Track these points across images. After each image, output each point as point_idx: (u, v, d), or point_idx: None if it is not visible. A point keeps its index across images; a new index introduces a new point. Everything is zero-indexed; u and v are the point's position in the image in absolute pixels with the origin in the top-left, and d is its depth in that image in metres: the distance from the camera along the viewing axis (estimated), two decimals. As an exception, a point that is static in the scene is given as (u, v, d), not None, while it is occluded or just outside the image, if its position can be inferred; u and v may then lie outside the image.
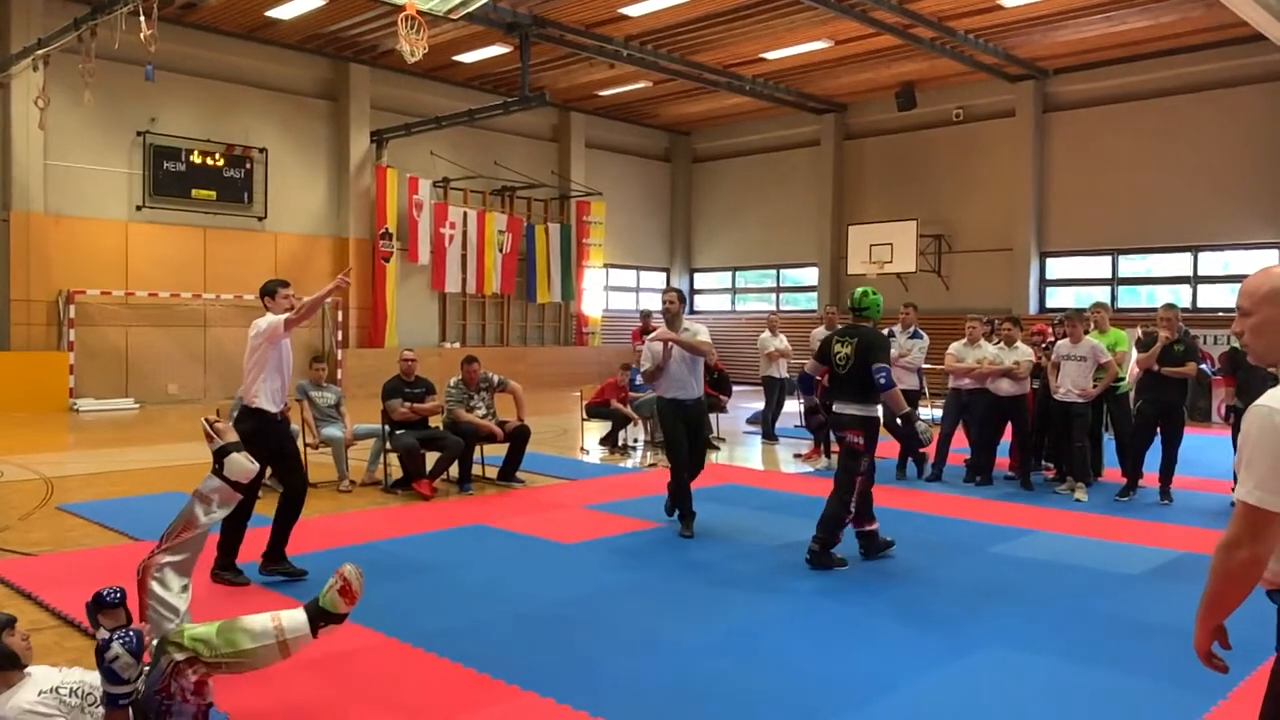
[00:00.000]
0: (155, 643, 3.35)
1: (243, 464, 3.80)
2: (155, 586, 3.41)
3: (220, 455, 3.82)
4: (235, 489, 3.80)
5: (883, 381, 5.91)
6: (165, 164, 16.05)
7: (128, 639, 3.15)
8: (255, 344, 5.48)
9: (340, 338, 17.89)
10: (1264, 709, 2.11)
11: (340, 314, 17.84)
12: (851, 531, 6.09)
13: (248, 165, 17.01)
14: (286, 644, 3.37)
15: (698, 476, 7.04)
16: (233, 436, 3.94)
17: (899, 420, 6.13)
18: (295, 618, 3.42)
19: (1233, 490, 2.01)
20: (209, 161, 16.53)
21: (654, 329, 14.59)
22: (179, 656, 3.24)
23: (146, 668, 3.28)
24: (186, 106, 16.38)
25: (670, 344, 6.78)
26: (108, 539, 6.51)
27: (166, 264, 16.16)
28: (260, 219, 17.24)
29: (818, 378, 6.87)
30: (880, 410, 6.15)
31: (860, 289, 6.36)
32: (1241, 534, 1.95)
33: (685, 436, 6.87)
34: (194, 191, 16.37)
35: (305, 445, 8.62)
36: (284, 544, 5.52)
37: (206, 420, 4.02)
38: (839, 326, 10.71)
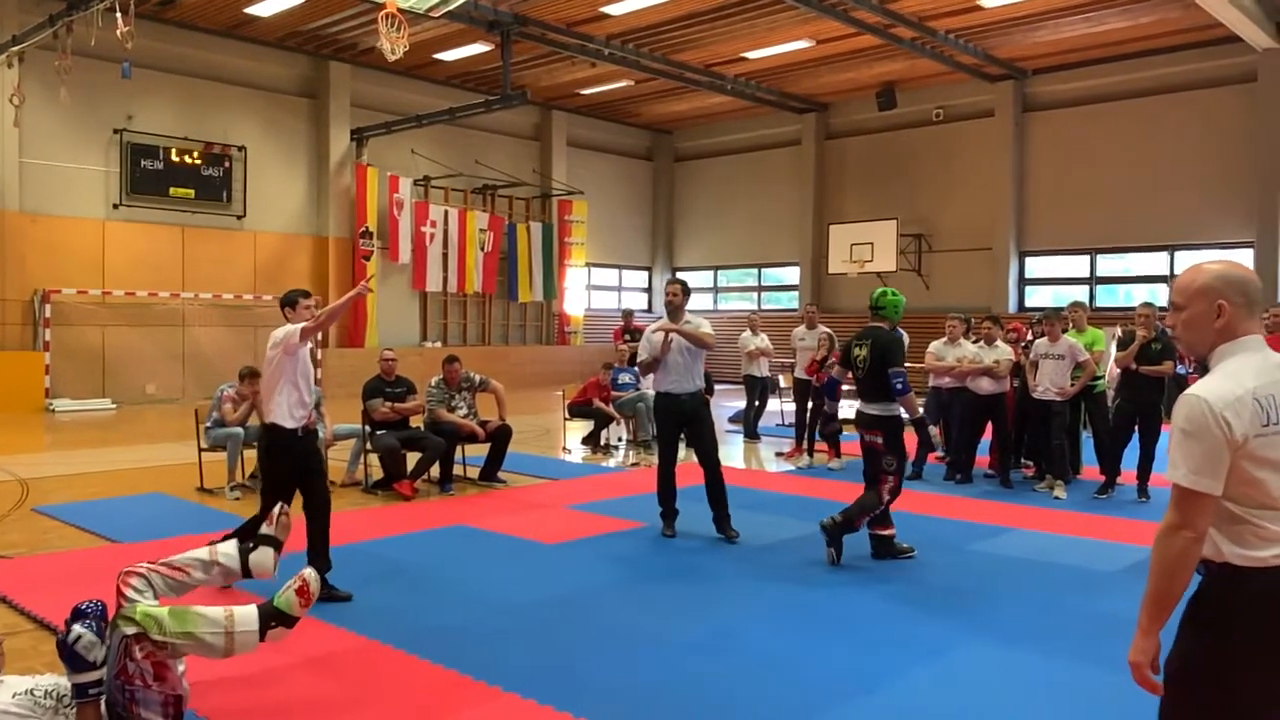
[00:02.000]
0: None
1: (265, 562, 3.79)
2: (131, 593, 3.40)
3: (260, 541, 3.79)
4: (242, 571, 3.79)
5: (899, 387, 5.99)
6: (143, 162, 15.91)
7: (89, 623, 3.19)
8: (271, 355, 5.24)
9: (320, 337, 17.79)
10: (1166, 670, 2.18)
11: (320, 313, 17.70)
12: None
13: (226, 163, 16.88)
14: (233, 637, 3.36)
15: (718, 474, 6.63)
16: (283, 535, 3.92)
17: (912, 424, 6.15)
18: (247, 613, 3.43)
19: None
20: (187, 160, 16.39)
21: (636, 328, 14.60)
22: (128, 631, 3.23)
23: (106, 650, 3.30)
24: (164, 104, 16.24)
25: (670, 336, 6.59)
26: (84, 541, 6.45)
27: (144, 263, 16.02)
28: (239, 218, 17.12)
29: (843, 382, 6.91)
30: (900, 409, 6.14)
31: (881, 288, 6.44)
32: (1181, 517, 2.07)
33: (678, 432, 6.75)
34: (172, 190, 16.22)
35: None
36: (323, 568, 5.14)
37: (282, 507, 4.01)
38: (820, 325, 10.89)
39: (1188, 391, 2.14)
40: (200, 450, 8.37)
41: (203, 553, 3.68)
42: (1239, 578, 2.08)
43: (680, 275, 24.60)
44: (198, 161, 16.52)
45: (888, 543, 6.13)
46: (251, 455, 8.46)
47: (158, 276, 16.14)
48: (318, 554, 5.23)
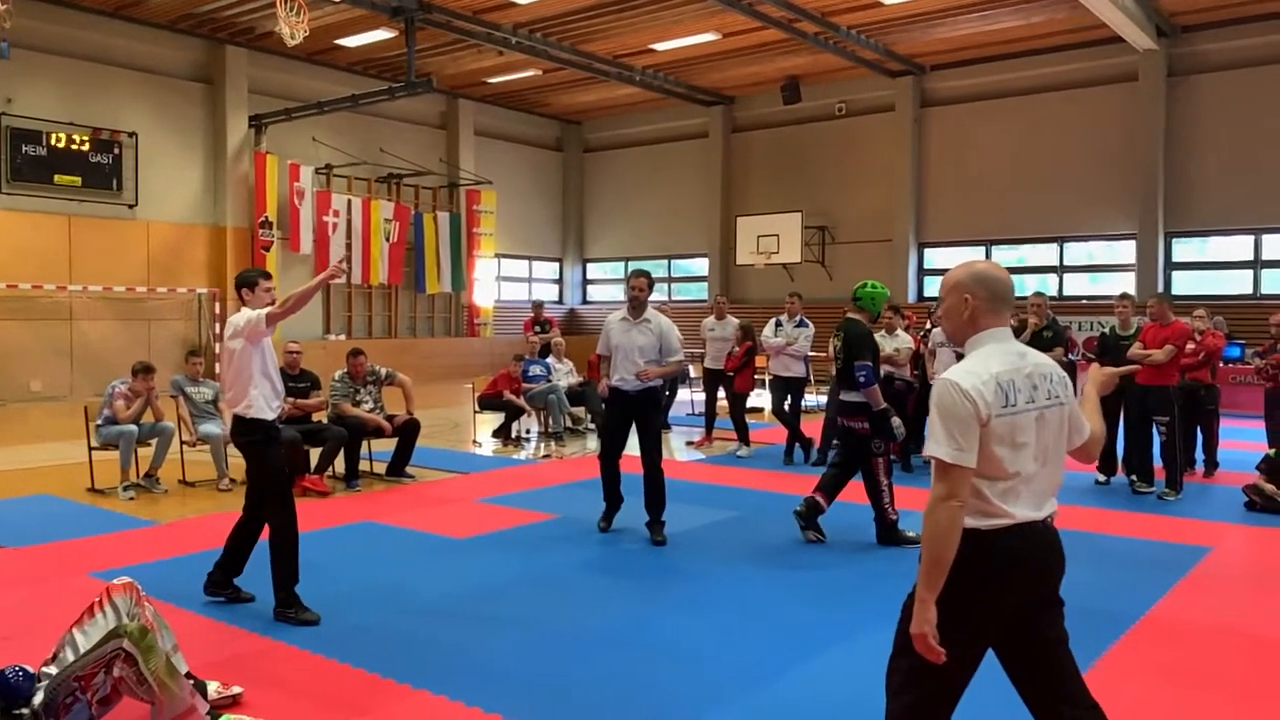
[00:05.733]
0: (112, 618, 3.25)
1: None
2: (99, 615, 3.27)
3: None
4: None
5: (861, 380, 6.17)
6: (24, 148, 15.10)
7: None
8: (233, 345, 4.80)
9: (218, 330, 17.22)
10: (905, 603, 2.54)
11: (218, 305, 17.16)
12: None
13: (116, 150, 16.16)
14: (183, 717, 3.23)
15: (656, 478, 6.42)
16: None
17: (876, 416, 6.28)
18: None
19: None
20: (73, 145, 15.63)
21: (545, 319, 14.51)
22: (126, 646, 3.13)
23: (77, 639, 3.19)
24: (47, 87, 15.44)
25: (627, 334, 6.50)
26: (-35, 547, 6.14)
27: (27, 254, 15.21)
28: (131, 206, 16.42)
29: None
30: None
31: (864, 280, 6.63)
32: (948, 488, 2.33)
33: (623, 425, 6.61)
34: (57, 177, 15.45)
35: (182, 443, 8.31)
36: (237, 573, 5.06)
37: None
38: (730, 316, 11.02)
39: (941, 376, 2.43)
40: (91, 449, 8.04)
41: (174, 647, 3.38)
42: (968, 538, 2.35)
43: (591, 266, 24.65)
44: (85, 147, 15.77)
45: (815, 509, 6.29)
46: (146, 454, 8.17)
47: (43, 268, 15.36)
48: (239, 560, 5.02)
